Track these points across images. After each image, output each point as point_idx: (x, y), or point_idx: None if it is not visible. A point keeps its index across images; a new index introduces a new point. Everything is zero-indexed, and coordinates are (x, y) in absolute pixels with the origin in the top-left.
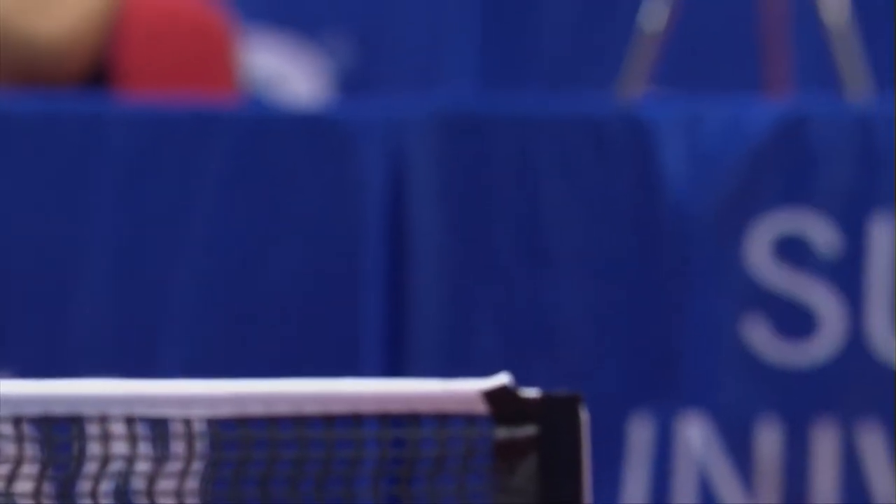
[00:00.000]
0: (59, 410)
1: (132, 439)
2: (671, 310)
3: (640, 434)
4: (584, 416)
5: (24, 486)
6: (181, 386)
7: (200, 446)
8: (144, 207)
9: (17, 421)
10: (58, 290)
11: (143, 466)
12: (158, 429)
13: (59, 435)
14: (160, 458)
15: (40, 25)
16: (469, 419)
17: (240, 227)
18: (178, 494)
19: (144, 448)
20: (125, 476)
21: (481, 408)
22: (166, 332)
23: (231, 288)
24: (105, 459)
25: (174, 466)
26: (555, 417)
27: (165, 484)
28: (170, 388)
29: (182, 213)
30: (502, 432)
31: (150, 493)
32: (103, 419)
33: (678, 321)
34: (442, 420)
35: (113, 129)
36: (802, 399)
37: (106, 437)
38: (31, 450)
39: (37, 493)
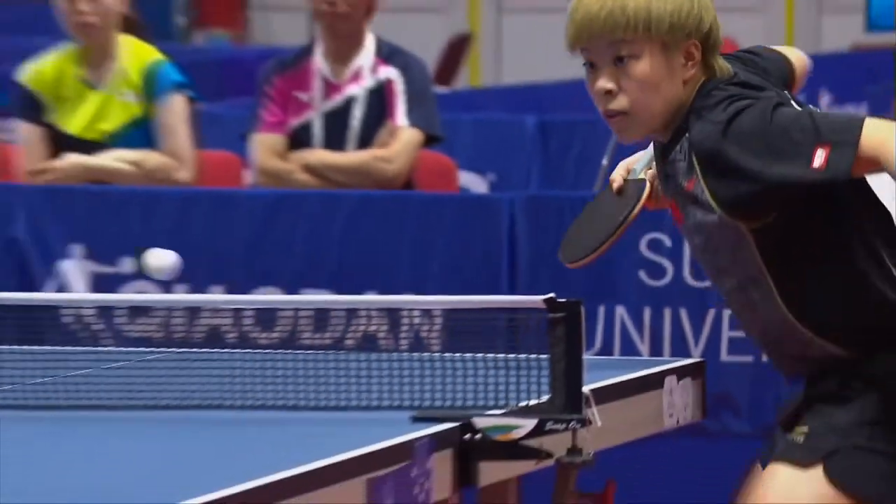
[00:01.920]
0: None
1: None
2: None
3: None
4: (582, 308)
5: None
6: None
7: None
8: (396, 239)
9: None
10: None
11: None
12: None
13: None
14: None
15: (389, 169)
16: (540, 310)
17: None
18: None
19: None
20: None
21: (543, 306)
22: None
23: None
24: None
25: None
26: (571, 308)
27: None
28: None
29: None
30: (551, 315)
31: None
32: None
33: None
34: (529, 311)
35: (408, 206)
36: None
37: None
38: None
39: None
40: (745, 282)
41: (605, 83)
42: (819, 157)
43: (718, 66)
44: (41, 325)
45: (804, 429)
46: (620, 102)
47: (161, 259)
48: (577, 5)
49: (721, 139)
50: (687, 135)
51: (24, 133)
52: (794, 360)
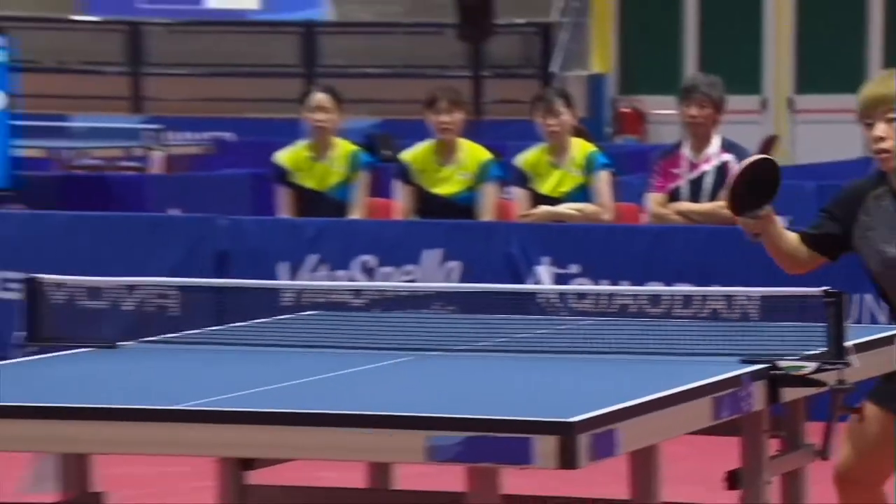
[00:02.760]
0: None
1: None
2: None
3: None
4: (847, 297)
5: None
6: (752, 290)
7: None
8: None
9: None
10: None
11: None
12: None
13: None
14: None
15: (728, 213)
16: (820, 297)
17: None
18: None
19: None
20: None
21: (823, 294)
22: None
23: None
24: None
25: None
26: (839, 296)
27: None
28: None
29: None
30: (827, 300)
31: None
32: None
33: None
34: (814, 297)
35: (736, 235)
36: None
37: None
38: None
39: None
40: None
41: (879, 132)
42: None
43: None
44: (524, 303)
45: None
46: (887, 144)
47: None
48: (867, 91)
49: None
50: None
51: (516, 193)
52: None
